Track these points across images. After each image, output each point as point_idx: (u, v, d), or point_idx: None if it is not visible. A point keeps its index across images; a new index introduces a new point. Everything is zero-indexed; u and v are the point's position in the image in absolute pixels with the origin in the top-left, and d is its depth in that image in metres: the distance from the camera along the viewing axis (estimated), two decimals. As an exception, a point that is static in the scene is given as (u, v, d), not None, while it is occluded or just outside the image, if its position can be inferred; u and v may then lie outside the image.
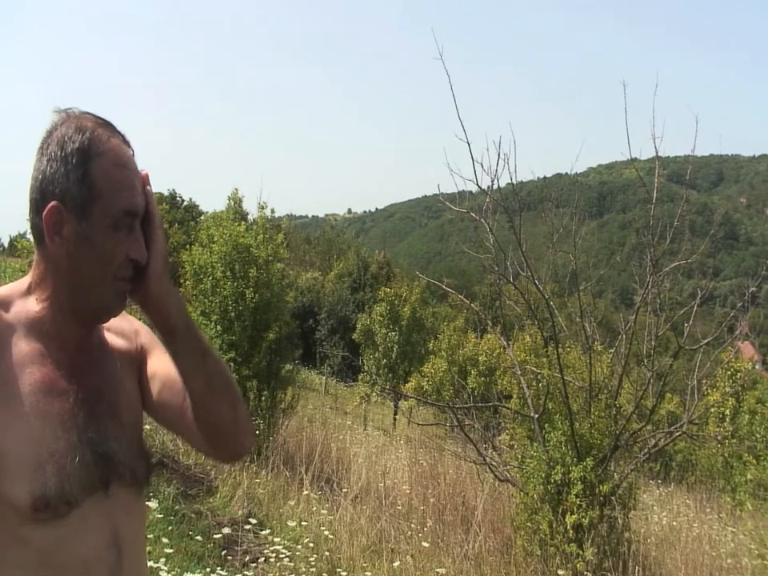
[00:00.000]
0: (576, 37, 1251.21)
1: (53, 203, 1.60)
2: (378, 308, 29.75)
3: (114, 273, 1.65)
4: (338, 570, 6.35)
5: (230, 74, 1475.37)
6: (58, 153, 1.62)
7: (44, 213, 1.61)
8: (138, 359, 1.90)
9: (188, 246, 11.06)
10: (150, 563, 5.02)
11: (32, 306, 1.69)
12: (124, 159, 1.66)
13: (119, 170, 1.64)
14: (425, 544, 7.23)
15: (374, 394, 28.12)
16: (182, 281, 11.22)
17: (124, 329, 1.90)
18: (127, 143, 1.71)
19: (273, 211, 11.28)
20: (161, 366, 1.87)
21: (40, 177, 1.64)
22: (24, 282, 1.73)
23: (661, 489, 13.59)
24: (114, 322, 1.81)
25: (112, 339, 1.85)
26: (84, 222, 1.61)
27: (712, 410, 15.37)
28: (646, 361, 8.14)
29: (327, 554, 6.53)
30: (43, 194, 1.62)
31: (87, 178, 1.61)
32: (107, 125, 1.69)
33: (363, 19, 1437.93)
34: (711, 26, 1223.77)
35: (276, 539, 6.54)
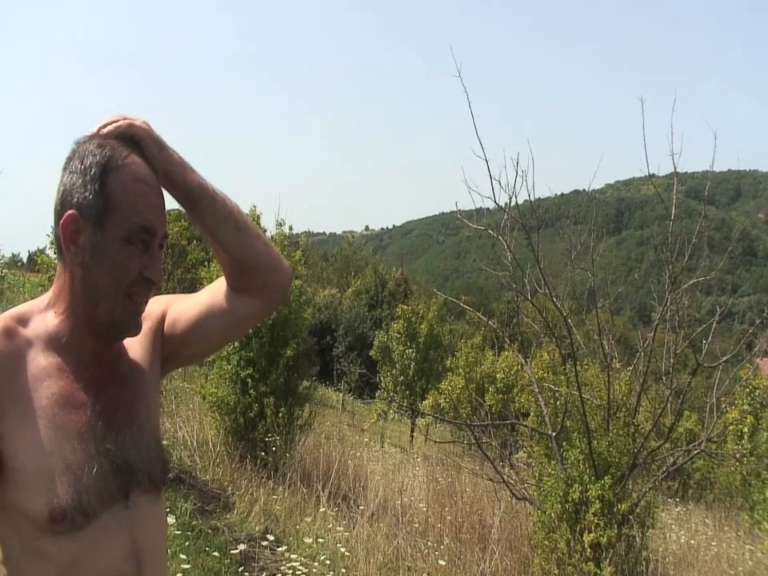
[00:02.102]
0: (591, 52, 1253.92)
1: (70, 212, 1.64)
2: (395, 325, 29.75)
3: (127, 288, 1.67)
4: (355, 587, 6.35)
5: (244, 94, 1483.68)
6: (79, 166, 1.66)
7: (61, 221, 1.65)
8: (160, 329, 1.95)
9: (206, 263, 11.08)
10: (166, 579, 5.02)
11: (51, 320, 1.71)
12: (143, 176, 1.69)
13: (137, 184, 1.67)
14: (441, 562, 7.21)
15: (391, 411, 28.08)
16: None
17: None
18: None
19: (291, 228, 11.32)
20: (179, 309, 1.97)
21: (62, 189, 1.68)
22: (44, 298, 1.76)
23: (679, 507, 13.52)
24: None
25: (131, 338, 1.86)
26: (99, 233, 1.64)
27: (731, 427, 15.29)
28: (664, 378, 8.11)
29: (344, 571, 6.52)
30: (63, 205, 1.66)
31: (104, 189, 1.64)
32: (131, 143, 1.72)
33: (377, 36, 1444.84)
34: (726, 41, 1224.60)
35: (293, 556, 6.53)
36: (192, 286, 16.30)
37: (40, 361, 1.66)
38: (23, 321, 1.70)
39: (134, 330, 1.76)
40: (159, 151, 1.76)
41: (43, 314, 1.73)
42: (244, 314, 2.00)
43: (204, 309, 1.96)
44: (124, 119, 1.75)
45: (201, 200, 1.83)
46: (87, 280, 1.67)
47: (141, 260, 1.67)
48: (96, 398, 1.69)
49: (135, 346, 1.87)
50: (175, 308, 1.98)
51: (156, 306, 1.97)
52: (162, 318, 1.96)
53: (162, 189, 1.76)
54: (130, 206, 1.65)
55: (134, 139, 1.73)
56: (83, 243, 1.65)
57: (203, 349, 2.13)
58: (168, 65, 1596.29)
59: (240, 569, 6.22)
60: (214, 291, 1.98)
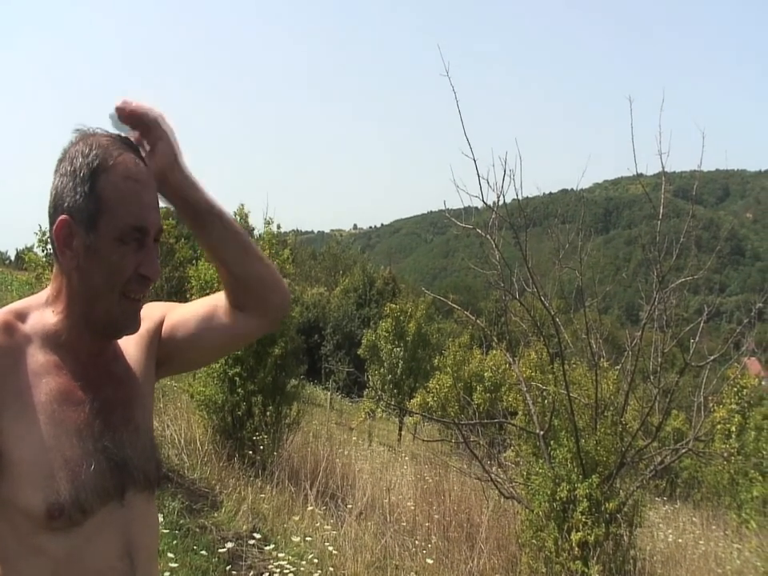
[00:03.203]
0: (582, 51, 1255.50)
1: (62, 217, 1.64)
2: (383, 324, 29.68)
3: (123, 288, 1.67)
4: (343, 586, 6.34)
5: (236, 91, 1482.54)
6: (69, 168, 1.66)
7: (54, 227, 1.65)
8: (157, 333, 1.96)
9: (194, 261, 11.03)
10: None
11: (49, 318, 1.71)
12: (135, 174, 1.67)
13: (128, 183, 1.66)
14: (429, 561, 7.20)
15: (379, 409, 28.04)
16: (188, 296, 11.19)
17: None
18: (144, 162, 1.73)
19: (279, 227, 11.27)
20: (178, 315, 1.98)
21: (53, 193, 1.67)
22: (43, 294, 1.77)
23: (667, 506, 13.53)
24: None
25: (124, 340, 1.86)
26: (92, 235, 1.64)
27: (718, 426, 15.33)
28: (652, 377, 8.12)
29: (331, 569, 6.51)
30: (55, 209, 1.66)
31: (94, 191, 1.63)
32: (123, 142, 1.72)
33: (368, 36, 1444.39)
34: (718, 45, 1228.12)
35: (280, 555, 6.51)
36: (180, 284, 16.24)
37: (39, 357, 1.66)
38: (22, 316, 1.70)
39: (133, 327, 1.76)
40: (176, 164, 1.77)
41: (41, 311, 1.73)
42: (242, 330, 2.01)
43: (203, 320, 1.97)
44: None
45: (208, 220, 1.85)
46: (83, 282, 1.67)
47: (136, 258, 1.67)
48: (94, 396, 1.70)
49: (132, 349, 1.88)
50: (174, 314, 1.99)
51: (155, 310, 1.98)
52: (161, 323, 1.97)
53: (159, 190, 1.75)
54: (122, 205, 1.65)
55: (151, 136, 1.75)
56: (77, 247, 1.65)
57: (198, 358, 2.15)
58: (163, 62, 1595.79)
59: (227, 567, 6.20)
60: (215, 304, 1.99)
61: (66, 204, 1.64)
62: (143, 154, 1.74)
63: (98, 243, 1.64)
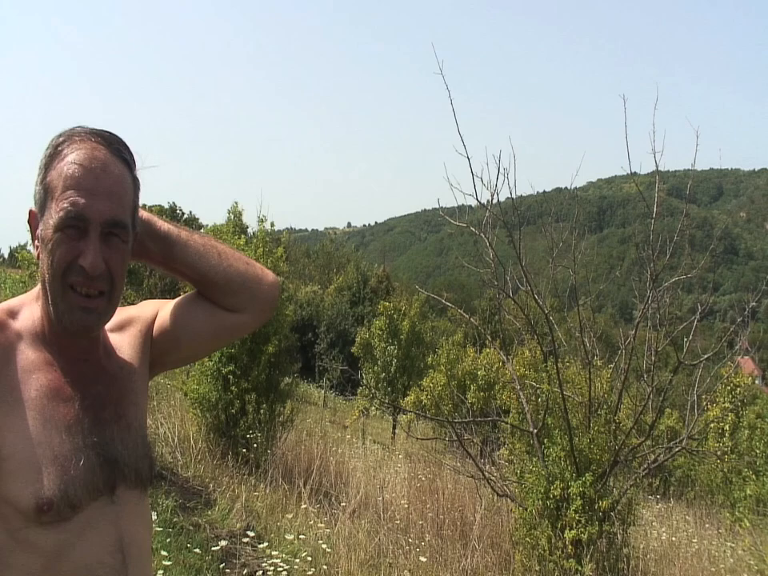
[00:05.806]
0: (576, 51, 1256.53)
1: (30, 209, 1.67)
2: (377, 322, 29.61)
3: (63, 277, 1.63)
4: (336, 584, 6.33)
5: (229, 93, 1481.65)
6: (40, 159, 1.67)
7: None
8: (150, 331, 1.97)
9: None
10: None
11: (36, 313, 1.72)
12: (83, 159, 1.63)
13: (71, 167, 1.62)
14: (423, 559, 7.19)
15: (373, 407, 28.03)
16: (182, 294, 11.16)
17: (131, 314, 1.96)
18: (122, 156, 1.70)
19: (273, 225, 11.24)
20: (170, 311, 1.99)
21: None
22: (35, 290, 1.76)
23: (660, 504, 13.53)
24: (116, 319, 1.84)
25: (117, 337, 1.88)
26: (41, 224, 1.65)
27: (712, 425, 15.36)
28: (645, 376, 8.11)
29: (325, 567, 6.51)
30: (33, 202, 1.68)
31: (45, 179, 1.64)
32: (98, 135, 1.68)
33: (362, 35, 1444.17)
34: (712, 43, 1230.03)
35: (274, 552, 6.52)
36: (174, 281, 16.23)
37: (29, 354, 1.66)
38: (13, 313, 1.71)
39: (81, 324, 1.68)
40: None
41: (31, 307, 1.73)
42: (235, 325, 2.04)
43: (195, 316, 1.97)
44: None
45: (178, 238, 1.89)
46: (41, 273, 1.67)
47: (76, 247, 1.61)
48: (84, 392, 1.69)
49: (125, 346, 1.88)
50: (166, 312, 1.99)
51: (147, 308, 1.99)
52: (153, 321, 1.97)
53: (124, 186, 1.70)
54: (60, 190, 1.62)
55: None
56: (38, 236, 1.66)
57: (191, 354, 2.16)
58: (159, 61, 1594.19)
59: (221, 565, 6.20)
60: (207, 300, 1.99)
61: (33, 194, 1.66)
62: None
63: (44, 232, 1.63)
